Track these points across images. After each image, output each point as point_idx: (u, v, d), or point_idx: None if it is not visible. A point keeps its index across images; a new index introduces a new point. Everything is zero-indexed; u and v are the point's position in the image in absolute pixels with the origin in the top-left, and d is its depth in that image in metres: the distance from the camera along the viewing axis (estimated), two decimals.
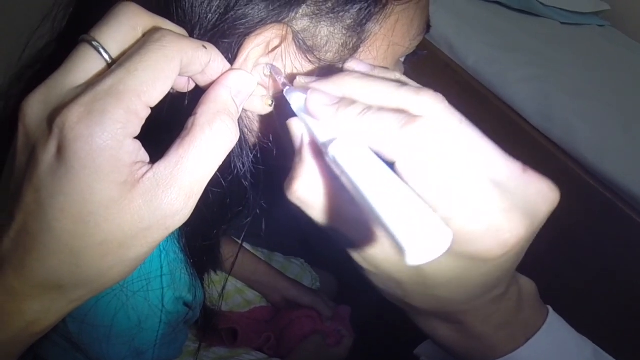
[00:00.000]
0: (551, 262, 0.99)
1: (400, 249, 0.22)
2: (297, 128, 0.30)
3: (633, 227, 0.87)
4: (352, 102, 0.28)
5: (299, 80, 0.32)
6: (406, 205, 0.23)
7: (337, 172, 0.27)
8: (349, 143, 0.27)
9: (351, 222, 0.29)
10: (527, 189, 0.27)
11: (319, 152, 0.30)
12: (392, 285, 0.32)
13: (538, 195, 0.28)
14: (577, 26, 1.41)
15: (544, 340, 0.35)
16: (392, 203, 0.24)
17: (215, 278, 0.90)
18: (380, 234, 0.29)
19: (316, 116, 0.29)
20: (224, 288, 0.50)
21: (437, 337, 0.36)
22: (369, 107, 0.28)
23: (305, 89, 0.31)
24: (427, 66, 1.12)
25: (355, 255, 0.31)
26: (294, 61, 0.33)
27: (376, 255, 0.30)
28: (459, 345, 0.36)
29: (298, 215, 0.31)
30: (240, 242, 0.50)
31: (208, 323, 0.54)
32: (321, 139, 0.29)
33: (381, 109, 0.28)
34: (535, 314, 0.36)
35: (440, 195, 0.26)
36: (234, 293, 0.94)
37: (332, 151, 0.27)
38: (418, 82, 0.29)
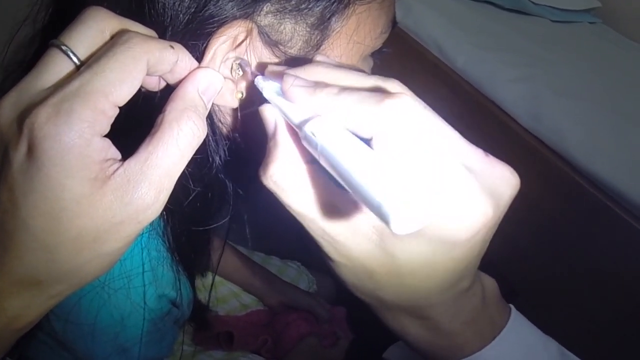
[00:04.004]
0: (541, 261, 0.99)
1: (384, 220, 0.23)
2: (270, 114, 0.31)
3: (622, 226, 0.87)
4: (327, 84, 0.29)
5: (271, 68, 0.33)
6: (388, 176, 0.24)
7: (313, 151, 0.28)
8: (325, 121, 0.27)
9: (325, 207, 0.30)
10: (491, 173, 0.28)
11: (293, 135, 0.30)
12: (363, 277, 0.31)
13: (502, 179, 0.28)
14: (569, 24, 1.42)
15: (510, 338, 0.35)
16: (374, 174, 0.24)
17: (216, 281, 0.91)
18: (353, 219, 0.29)
19: (293, 98, 0.29)
20: (213, 279, 0.50)
21: (407, 336, 0.35)
22: (345, 88, 0.28)
23: (276, 76, 0.31)
24: (416, 67, 1.12)
25: (327, 246, 0.31)
26: (260, 55, 0.34)
27: (349, 244, 0.30)
28: (429, 344, 0.35)
29: (277, 207, 0.31)
30: (226, 240, 0.50)
31: (200, 319, 0.55)
32: (295, 120, 0.29)
33: (357, 88, 0.28)
34: (499, 312, 0.36)
35: (415, 171, 0.26)
36: (230, 297, 0.94)
37: (309, 129, 0.27)
38: (407, 84, 0.30)
